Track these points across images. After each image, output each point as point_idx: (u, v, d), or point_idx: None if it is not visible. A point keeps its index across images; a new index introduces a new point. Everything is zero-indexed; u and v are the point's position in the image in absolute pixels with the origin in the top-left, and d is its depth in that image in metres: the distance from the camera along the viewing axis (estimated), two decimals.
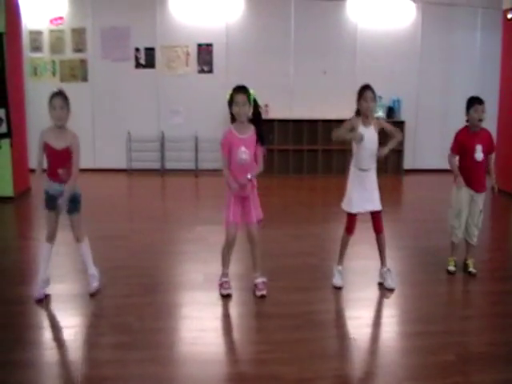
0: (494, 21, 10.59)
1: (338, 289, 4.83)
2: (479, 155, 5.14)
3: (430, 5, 11.59)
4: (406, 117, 11.67)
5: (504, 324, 4.19)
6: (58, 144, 4.50)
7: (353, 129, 4.75)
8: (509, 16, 9.49)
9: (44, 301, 4.46)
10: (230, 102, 4.52)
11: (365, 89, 4.75)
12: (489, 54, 11.34)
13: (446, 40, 11.79)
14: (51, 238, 4.61)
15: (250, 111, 4.53)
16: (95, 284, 4.66)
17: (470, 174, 5.21)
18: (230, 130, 4.57)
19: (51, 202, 4.52)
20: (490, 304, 4.70)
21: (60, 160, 4.47)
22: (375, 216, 4.89)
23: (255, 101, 4.58)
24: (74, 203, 4.59)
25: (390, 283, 4.86)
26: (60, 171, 4.47)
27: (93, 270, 4.72)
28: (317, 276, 5.13)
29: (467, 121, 5.22)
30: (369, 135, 4.75)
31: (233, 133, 4.54)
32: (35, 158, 4.55)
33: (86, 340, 3.86)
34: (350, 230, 4.92)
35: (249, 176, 4.49)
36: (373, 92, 4.71)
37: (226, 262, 4.75)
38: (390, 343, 3.92)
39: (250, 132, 4.57)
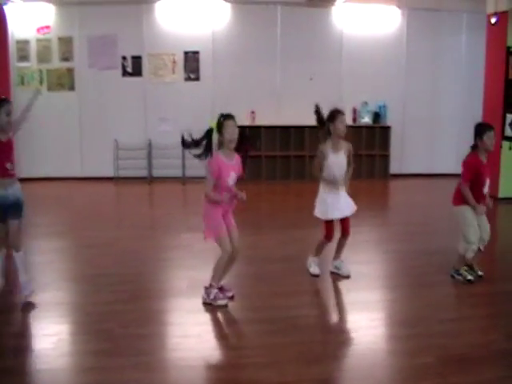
0: (479, 25, 10.69)
1: (316, 276, 5.25)
2: (486, 189, 5.18)
3: (414, 10, 11.70)
4: (393, 122, 11.75)
5: (484, 326, 4.24)
6: (3, 136, 4.49)
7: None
8: (492, 20, 9.60)
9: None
10: (220, 130, 4.51)
11: (340, 112, 5.11)
12: (474, 57, 11.44)
13: (431, 44, 11.88)
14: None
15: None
16: (27, 292, 4.63)
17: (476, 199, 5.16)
18: (218, 156, 4.53)
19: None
20: (471, 306, 4.74)
21: (5, 153, 4.48)
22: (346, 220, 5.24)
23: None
24: (18, 208, 4.55)
25: (344, 271, 5.27)
26: (8, 165, 4.48)
27: (24, 278, 4.66)
28: (300, 281, 5.16)
29: (475, 146, 5.14)
30: (338, 161, 5.11)
31: (221, 159, 4.51)
32: None
33: (68, 347, 3.87)
34: (329, 236, 5.24)
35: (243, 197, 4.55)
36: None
37: (219, 277, 4.65)
38: (370, 346, 3.94)
39: (235, 158, 4.61)
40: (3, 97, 4.62)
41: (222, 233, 4.51)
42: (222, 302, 4.55)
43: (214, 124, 4.59)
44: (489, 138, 5.04)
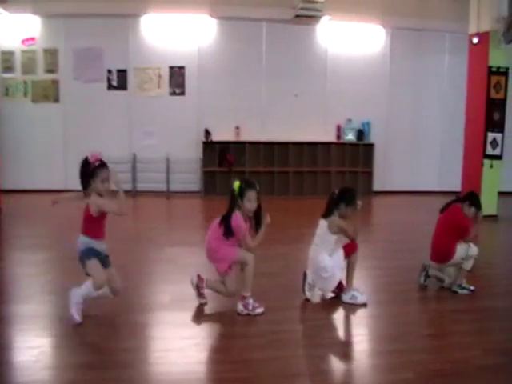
0: (461, 45, 10.88)
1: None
2: None
3: (398, 30, 11.88)
4: (376, 139, 11.88)
5: (464, 342, 4.28)
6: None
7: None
8: (474, 40, 9.76)
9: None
10: (241, 195, 4.63)
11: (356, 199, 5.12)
12: (456, 77, 11.62)
13: (414, 64, 12.08)
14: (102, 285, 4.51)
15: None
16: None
17: None
18: (238, 215, 4.65)
19: (96, 252, 4.57)
20: (451, 322, 4.80)
21: (106, 220, 4.67)
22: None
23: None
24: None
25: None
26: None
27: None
28: (283, 296, 5.18)
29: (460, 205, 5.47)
30: None
31: (241, 218, 4.67)
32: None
33: (50, 360, 3.85)
34: None
35: None
36: None
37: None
38: (351, 361, 3.98)
39: (248, 222, 4.76)
40: (98, 163, 4.56)
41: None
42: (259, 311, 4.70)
43: (236, 186, 4.68)
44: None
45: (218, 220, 4.75)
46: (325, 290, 5.08)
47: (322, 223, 5.07)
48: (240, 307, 4.68)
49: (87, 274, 4.52)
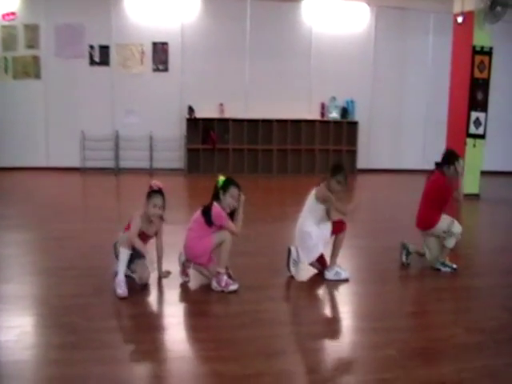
0: (446, 25, 10.84)
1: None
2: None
3: (383, 8, 11.81)
4: (360, 118, 11.88)
5: (445, 320, 4.32)
6: (151, 231, 4.79)
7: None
8: (459, 20, 9.74)
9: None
10: (224, 189, 4.69)
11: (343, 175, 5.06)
12: (440, 56, 11.61)
13: (399, 43, 12.05)
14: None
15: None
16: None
17: None
18: (219, 206, 4.70)
19: None
20: (434, 301, 4.83)
21: (146, 242, 4.76)
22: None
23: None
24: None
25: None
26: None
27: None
28: (266, 275, 5.19)
29: (441, 170, 5.43)
30: None
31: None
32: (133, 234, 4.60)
33: (31, 340, 3.82)
34: None
35: None
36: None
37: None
38: (334, 339, 4.00)
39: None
40: (156, 188, 4.73)
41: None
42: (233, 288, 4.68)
43: (221, 180, 4.75)
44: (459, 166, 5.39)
45: (198, 213, 4.79)
46: (306, 259, 5.07)
47: (312, 192, 5.09)
48: (214, 284, 4.70)
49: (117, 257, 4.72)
